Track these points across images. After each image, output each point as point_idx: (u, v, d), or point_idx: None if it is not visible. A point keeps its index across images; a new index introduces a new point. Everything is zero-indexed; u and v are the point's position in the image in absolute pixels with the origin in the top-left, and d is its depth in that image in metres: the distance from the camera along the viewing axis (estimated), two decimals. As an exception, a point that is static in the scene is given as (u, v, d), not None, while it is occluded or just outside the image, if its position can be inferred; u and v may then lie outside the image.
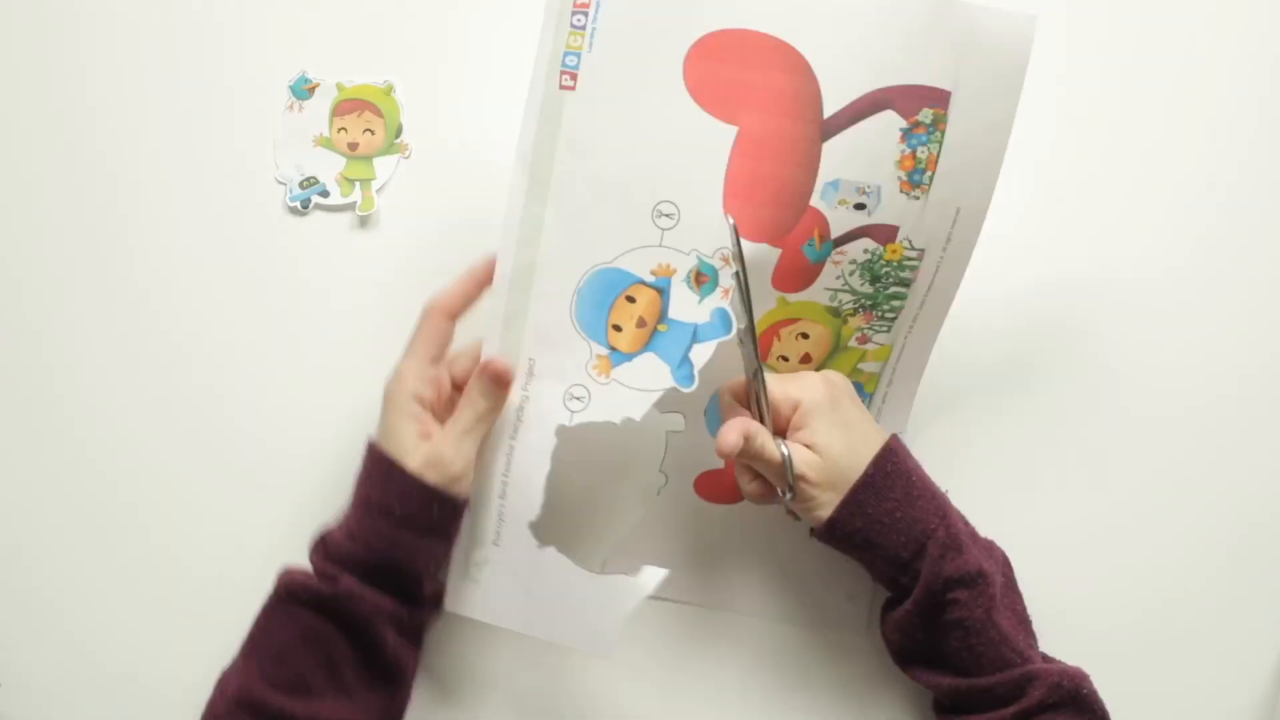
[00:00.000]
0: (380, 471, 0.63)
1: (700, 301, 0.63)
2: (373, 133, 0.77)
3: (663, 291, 0.63)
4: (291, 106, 0.78)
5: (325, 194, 0.77)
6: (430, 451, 0.63)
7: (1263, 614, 0.71)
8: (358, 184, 0.77)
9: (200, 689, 0.73)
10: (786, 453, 0.62)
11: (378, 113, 0.77)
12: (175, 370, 0.76)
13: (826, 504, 0.63)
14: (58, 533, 0.75)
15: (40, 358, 0.76)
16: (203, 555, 0.75)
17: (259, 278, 0.76)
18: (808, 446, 0.63)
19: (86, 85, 0.79)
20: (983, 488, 0.72)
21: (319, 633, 0.61)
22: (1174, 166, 0.75)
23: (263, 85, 0.78)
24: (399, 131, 0.77)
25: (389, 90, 0.77)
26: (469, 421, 0.63)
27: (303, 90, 0.78)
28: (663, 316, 0.63)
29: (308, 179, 0.77)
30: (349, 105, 0.77)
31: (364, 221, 0.77)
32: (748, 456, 0.62)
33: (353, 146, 0.77)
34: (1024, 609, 0.65)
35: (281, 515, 0.74)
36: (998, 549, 0.66)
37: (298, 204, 0.77)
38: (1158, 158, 0.75)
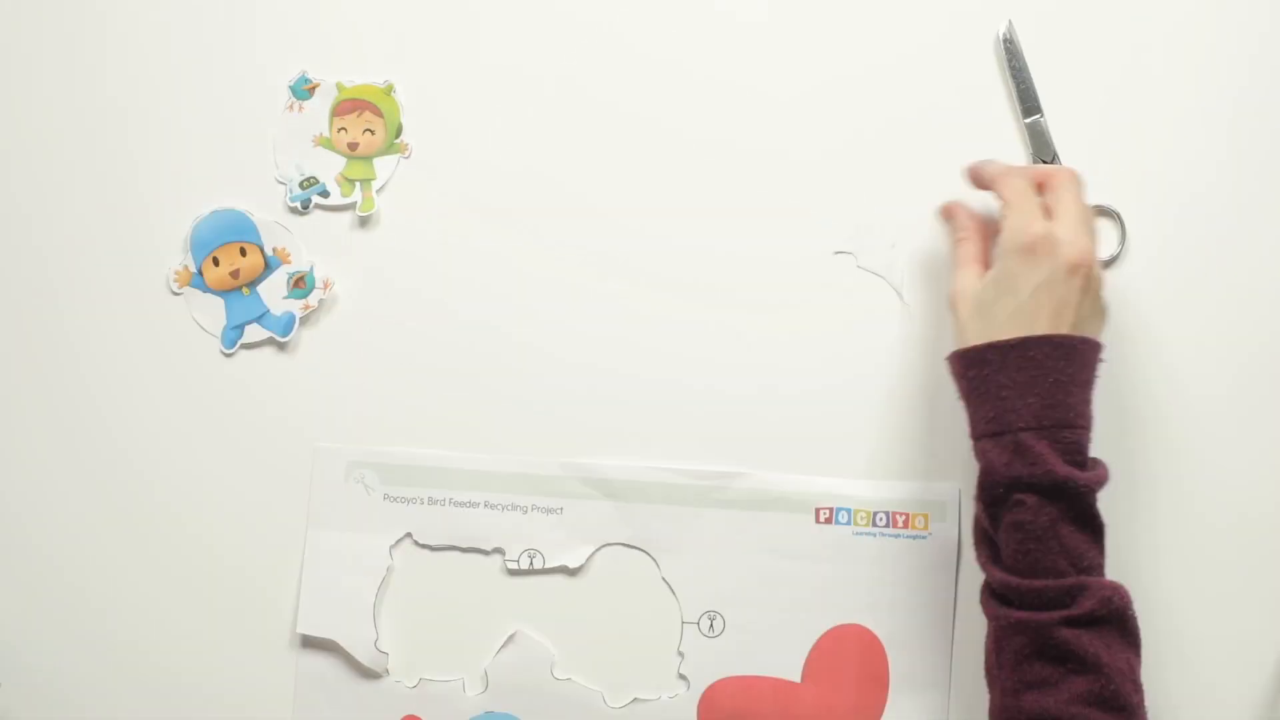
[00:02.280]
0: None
1: (284, 297, 0.70)
2: (373, 133, 0.77)
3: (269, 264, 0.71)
4: (291, 106, 0.78)
5: (325, 194, 0.77)
6: None
7: (1263, 613, 0.71)
8: (358, 184, 0.77)
9: (199, 688, 0.73)
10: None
11: (378, 113, 0.77)
12: (176, 370, 0.76)
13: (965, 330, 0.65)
14: (57, 533, 0.75)
15: (44, 345, 0.77)
16: (203, 554, 0.75)
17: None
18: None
19: (86, 85, 0.79)
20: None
21: None
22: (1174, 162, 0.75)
23: (263, 85, 0.78)
24: (399, 131, 0.77)
25: (389, 90, 0.77)
26: None
27: (303, 90, 0.78)
28: (255, 282, 0.70)
29: (308, 179, 0.77)
30: (349, 105, 0.77)
31: (364, 222, 0.77)
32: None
33: (353, 146, 0.77)
34: (1100, 523, 0.63)
35: (282, 516, 0.74)
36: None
37: (298, 204, 0.77)
38: (1157, 155, 0.75)
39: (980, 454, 0.63)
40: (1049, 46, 0.75)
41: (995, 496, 0.62)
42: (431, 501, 0.74)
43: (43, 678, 0.74)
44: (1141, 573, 0.71)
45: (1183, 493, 0.72)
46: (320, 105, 0.77)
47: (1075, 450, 0.62)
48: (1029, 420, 0.61)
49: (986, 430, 0.62)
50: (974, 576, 0.66)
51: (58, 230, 0.77)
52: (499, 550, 0.73)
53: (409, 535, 0.74)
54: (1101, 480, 0.63)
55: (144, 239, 0.77)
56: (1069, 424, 0.62)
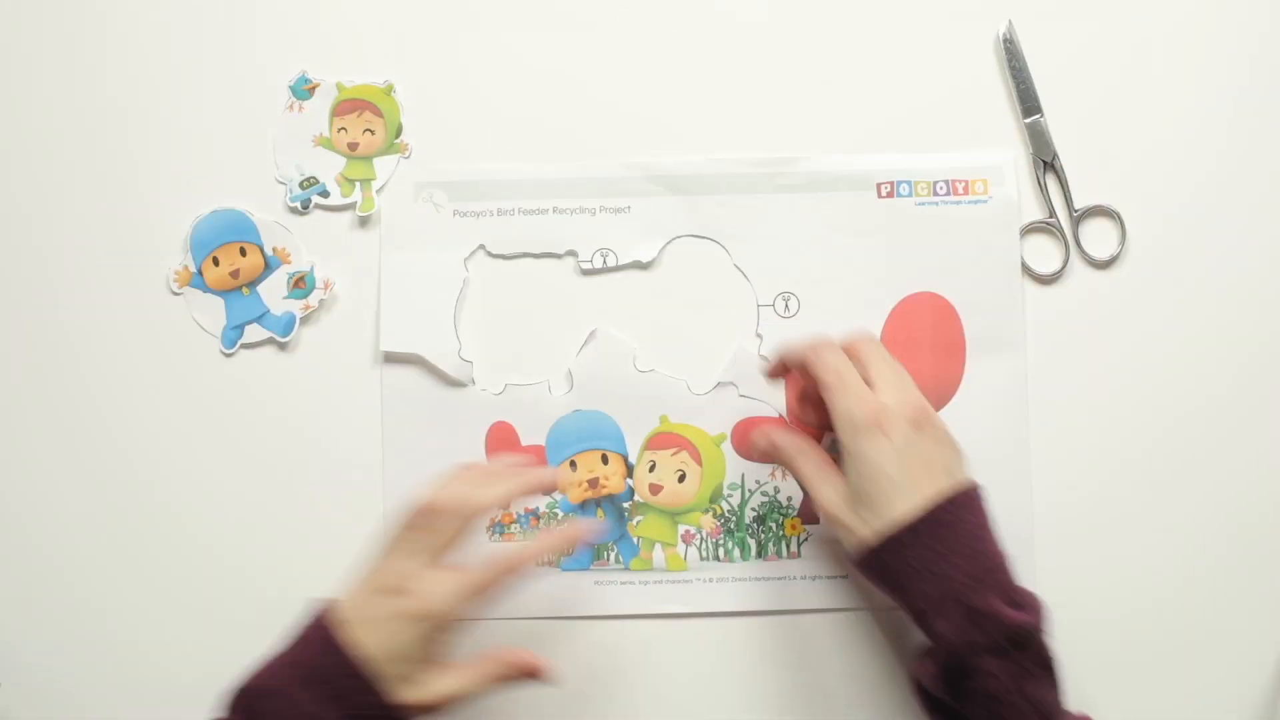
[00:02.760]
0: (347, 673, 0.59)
1: (284, 297, 0.72)
2: (373, 133, 0.77)
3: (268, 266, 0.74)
4: (291, 106, 0.78)
5: (325, 194, 0.77)
6: (428, 697, 0.60)
7: (1263, 614, 0.71)
8: (358, 184, 0.77)
9: (199, 688, 0.73)
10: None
11: (378, 113, 0.77)
12: (176, 370, 0.76)
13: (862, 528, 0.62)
14: (57, 533, 0.75)
15: (44, 345, 0.77)
16: (202, 554, 0.75)
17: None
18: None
19: (86, 85, 0.79)
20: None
21: None
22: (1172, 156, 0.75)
23: (263, 85, 0.78)
24: (399, 131, 0.77)
25: (389, 90, 0.77)
26: (472, 681, 0.62)
27: (303, 90, 0.78)
28: (255, 282, 0.72)
29: (308, 179, 0.77)
30: (349, 105, 0.77)
31: (364, 222, 0.77)
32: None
33: (353, 146, 0.77)
34: (1054, 658, 0.62)
35: (282, 516, 0.74)
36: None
37: (298, 204, 0.77)
38: (1155, 149, 0.75)
39: (928, 634, 0.61)
40: (1049, 46, 0.75)
41: (954, 671, 0.60)
42: (501, 213, 0.75)
43: (43, 678, 0.74)
44: (1142, 573, 0.71)
45: (1182, 493, 0.72)
46: (320, 105, 0.77)
47: (1014, 592, 0.61)
48: (967, 579, 0.60)
49: (928, 606, 0.60)
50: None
51: (58, 230, 0.77)
52: (571, 252, 0.75)
53: (482, 247, 0.75)
54: (1042, 612, 0.61)
55: (144, 239, 0.77)
56: (1000, 568, 0.61)
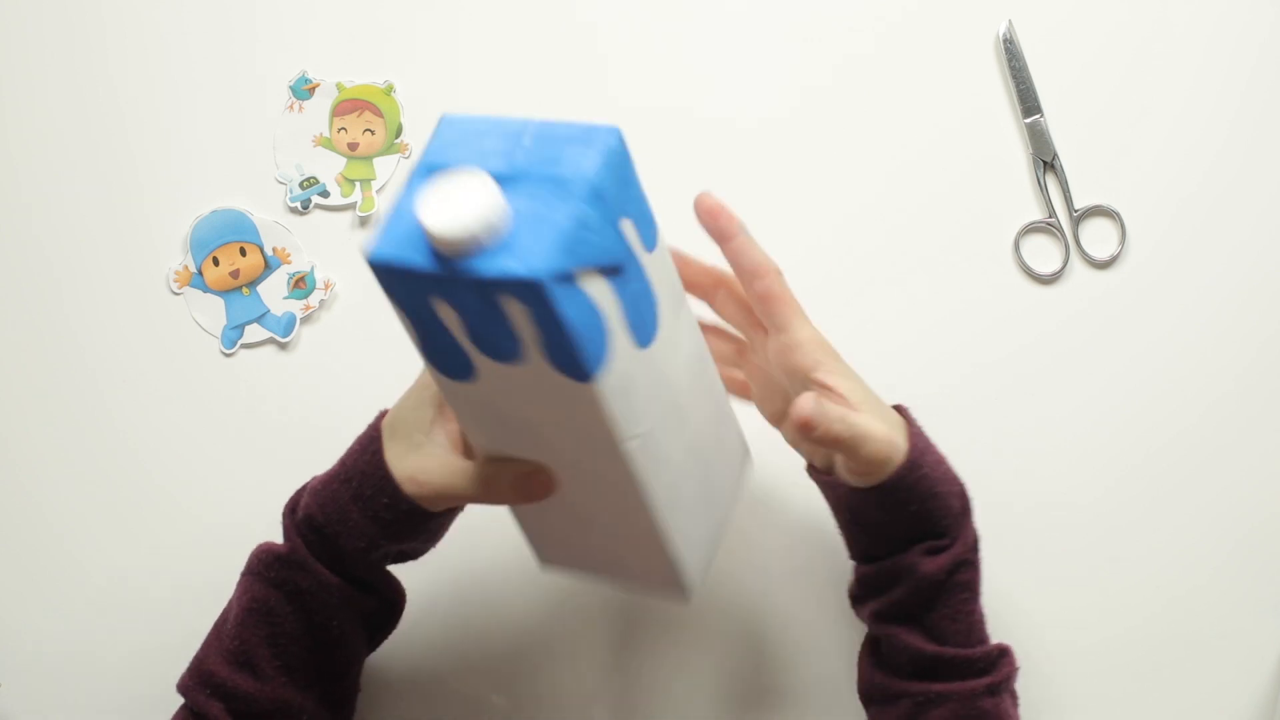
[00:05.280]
0: (367, 445, 0.59)
1: (284, 297, 0.71)
2: (373, 133, 0.77)
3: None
4: (291, 106, 0.78)
5: (325, 194, 0.77)
6: (419, 467, 0.58)
7: (1263, 614, 0.71)
8: (358, 184, 0.77)
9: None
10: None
11: (378, 113, 0.77)
12: (176, 371, 0.76)
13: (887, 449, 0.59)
14: (58, 533, 0.75)
15: (45, 345, 0.77)
16: (203, 554, 0.75)
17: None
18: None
19: (87, 85, 0.79)
20: (981, 487, 0.72)
21: (269, 607, 0.60)
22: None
23: (263, 85, 0.78)
24: (399, 131, 0.77)
25: (389, 90, 0.77)
26: (468, 485, 0.57)
27: (303, 90, 0.78)
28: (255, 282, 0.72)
29: (308, 179, 0.77)
30: (349, 105, 0.77)
31: (364, 222, 0.77)
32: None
33: (353, 146, 0.77)
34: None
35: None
36: None
37: (298, 204, 0.77)
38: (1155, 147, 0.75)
39: (960, 533, 0.61)
40: (1049, 46, 0.75)
41: (958, 562, 0.60)
42: None
43: (43, 677, 0.74)
44: (1142, 572, 0.71)
45: (1184, 494, 0.72)
46: (320, 105, 0.77)
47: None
48: (961, 493, 0.61)
49: (961, 519, 0.61)
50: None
51: (58, 230, 0.77)
52: None
53: None
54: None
55: (144, 239, 0.77)
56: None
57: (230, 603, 0.63)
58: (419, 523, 0.59)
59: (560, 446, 0.52)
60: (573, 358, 0.45)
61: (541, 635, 0.71)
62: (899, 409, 0.62)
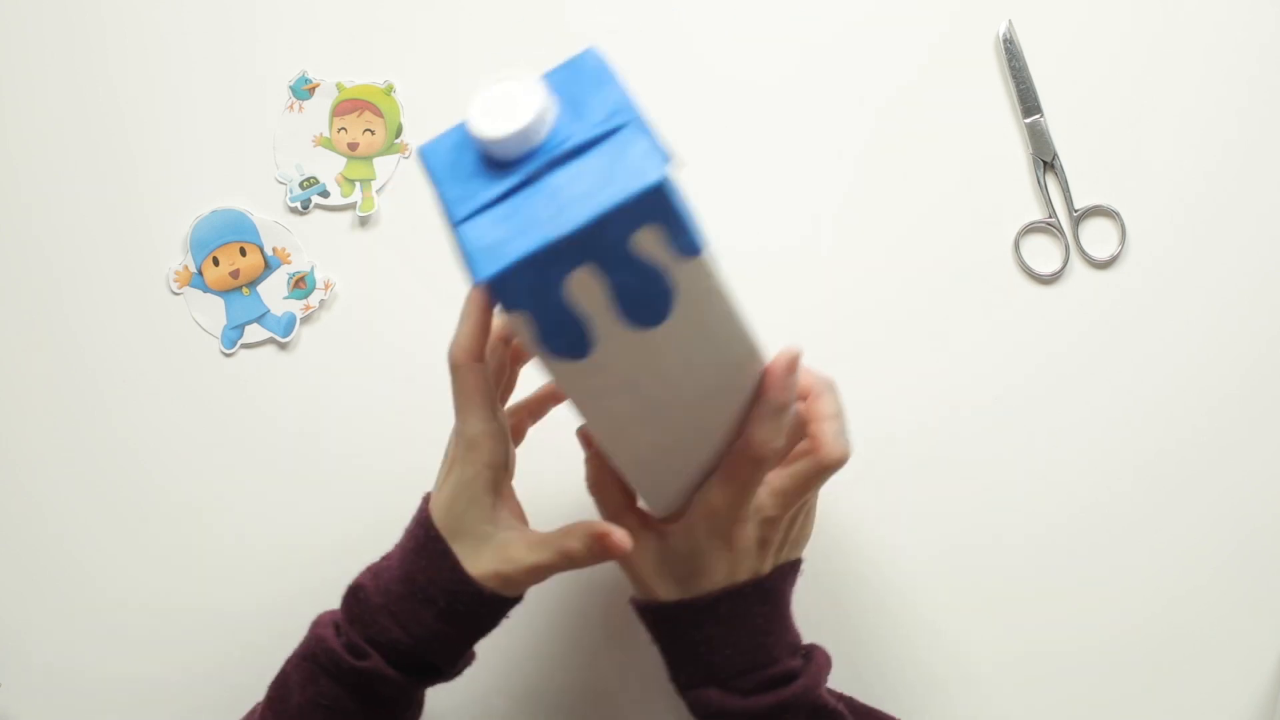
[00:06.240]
0: (435, 555, 0.56)
1: (284, 297, 0.72)
2: (373, 133, 0.77)
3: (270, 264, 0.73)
4: (291, 106, 0.78)
5: (325, 194, 0.77)
6: (502, 559, 0.56)
7: (1263, 614, 0.71)
8: (358, 184, 0.77)
9: (200, 688, 0.73)
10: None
11: (378, 113, 0.77)
12: (176, 371, 0.76)
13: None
14: (58, 533, 0.75)
15: (45, 345, 0.77)
16: (203, 554, 0.75)
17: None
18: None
19: (87, 85, 0.79)
20: (981, 487, 0.72)
21: (338, 704, 0.58)
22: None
23: (263, 85, 0.78)
24: (399, 131, 0.77)
25: (389, 90, 0.77)
26: (553, 556, 0.56)
27: (303, 90, 0.78)
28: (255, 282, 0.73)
29: (308, 179, 0.77)
30: (349, 105, 0.77)
31: (364, 222, 0.77)
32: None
33: (353, 146, 0.77)
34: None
35: (283, 518, 0.74)
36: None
37: (298, 204, 0.77)
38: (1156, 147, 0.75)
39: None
40: (1049, 46, 0.75)
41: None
42: None
43: (43, 677, 0.74)
44: (1143, 572, 0.71)
45: (1184, 494, 0.72)
46: (320, 105, 0.77)
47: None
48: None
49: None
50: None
51: (58, 230, 0.77)
52: None
53: None
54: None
55: (144, 239, 0.77)
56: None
57: (282, 684, 0.60)
58: (502, 612, 0.59)
59: (673, 378, 0.52)
60: (690, 239, 0.46)
61: (541, 635, 0.71)
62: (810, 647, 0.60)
